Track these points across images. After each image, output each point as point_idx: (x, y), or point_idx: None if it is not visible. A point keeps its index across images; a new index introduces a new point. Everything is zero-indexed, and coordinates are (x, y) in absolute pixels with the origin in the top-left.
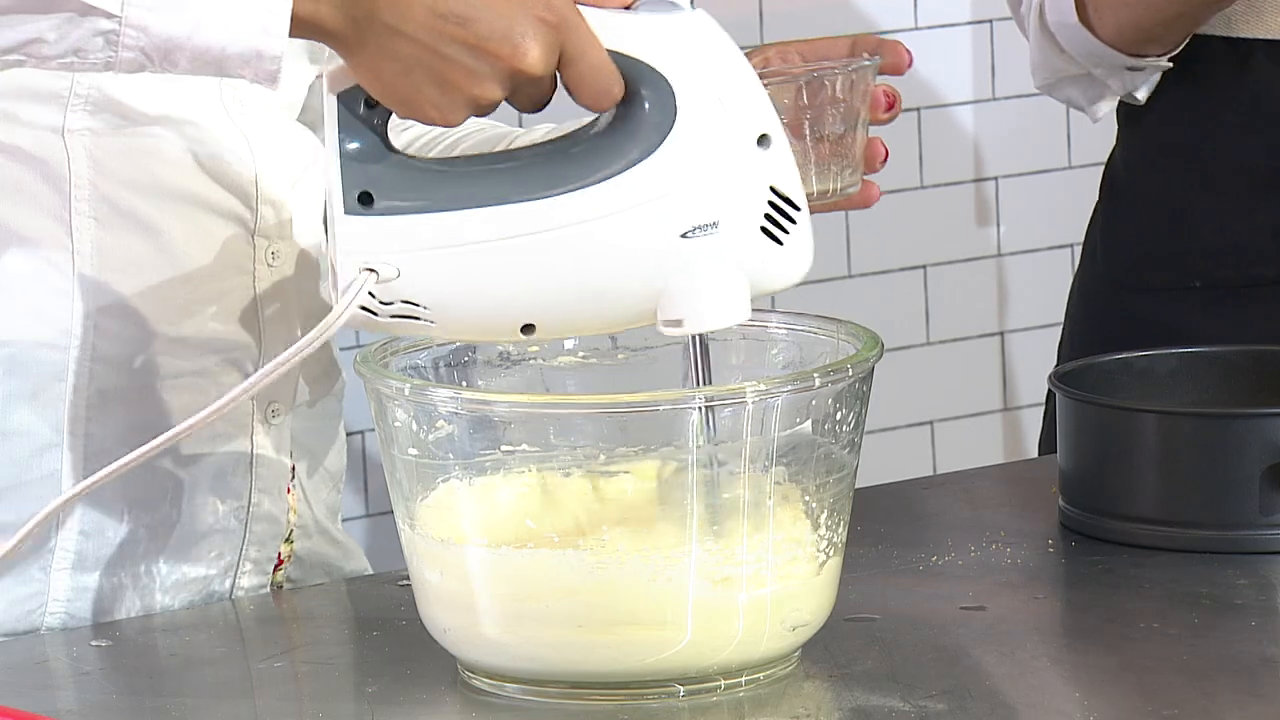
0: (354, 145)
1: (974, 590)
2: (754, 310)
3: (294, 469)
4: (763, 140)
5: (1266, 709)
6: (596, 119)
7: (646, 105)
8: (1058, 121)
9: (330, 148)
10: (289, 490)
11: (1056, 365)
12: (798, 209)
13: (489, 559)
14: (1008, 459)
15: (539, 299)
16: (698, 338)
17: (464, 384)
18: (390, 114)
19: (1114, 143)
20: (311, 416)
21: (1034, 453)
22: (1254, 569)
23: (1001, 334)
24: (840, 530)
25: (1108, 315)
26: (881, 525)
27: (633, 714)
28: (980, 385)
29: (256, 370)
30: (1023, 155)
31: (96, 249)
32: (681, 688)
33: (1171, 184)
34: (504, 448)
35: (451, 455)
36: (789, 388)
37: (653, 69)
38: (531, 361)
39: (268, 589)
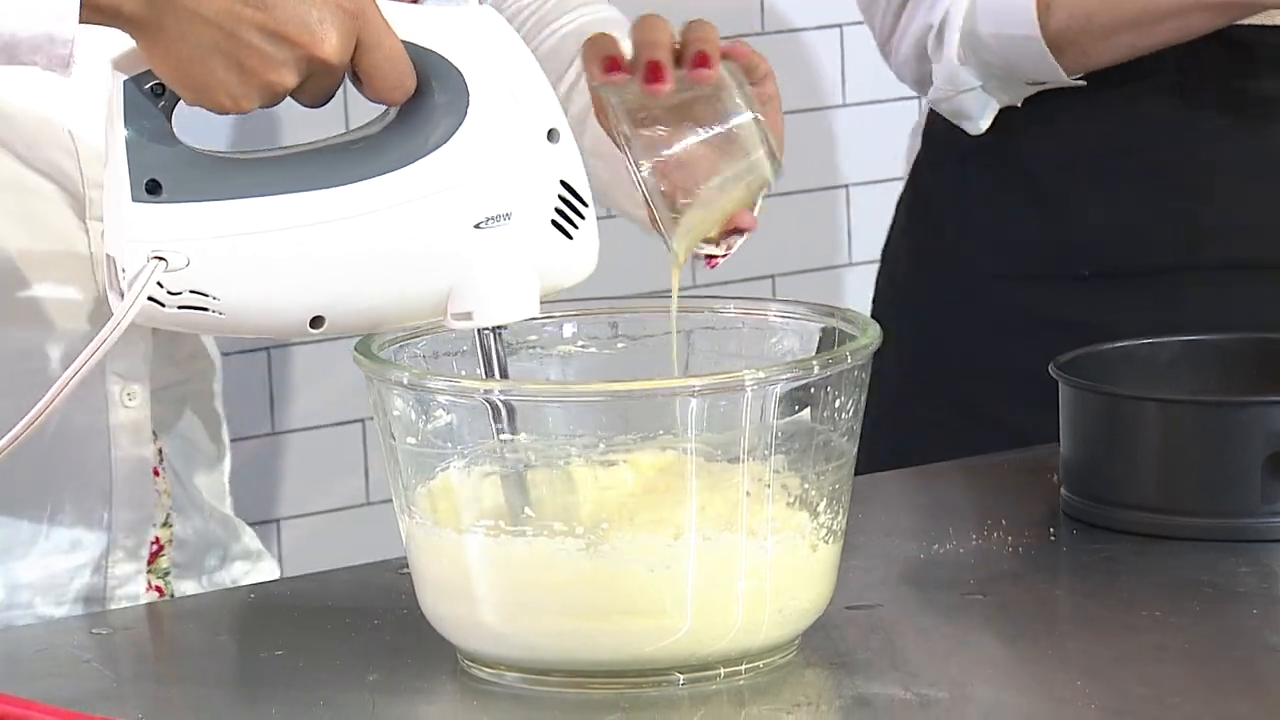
0: (142, 132)
1: (975, 578)
2: (753, 299)
3: (160, 451)
4: (552, 134)
5: (1268, 696)
6: (386, 114)
7: (438, 96)
8: None
9: (115, 134)
10: (156, 473)
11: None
12: (585, 204)
13: (488, 548)
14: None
15: (330, 289)
16: (489, 333)
17: (462, 373)
18: (178, 102)
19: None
20: (178, 399)
21: (1034, 442)
22: (1255, 557)
23: None
24: (839, 518)
25: (973, 306)
26: (882, 513)
27: (632, 703)
28: None
29: (109, 356)
30: None
31: None
32: (681, 676)
33: (1055, 171)
34: (502, 436)
35: (450, 444)
36: (787, 375)
37: (445, 60)
38: (530, 350)
39: (143, 575)
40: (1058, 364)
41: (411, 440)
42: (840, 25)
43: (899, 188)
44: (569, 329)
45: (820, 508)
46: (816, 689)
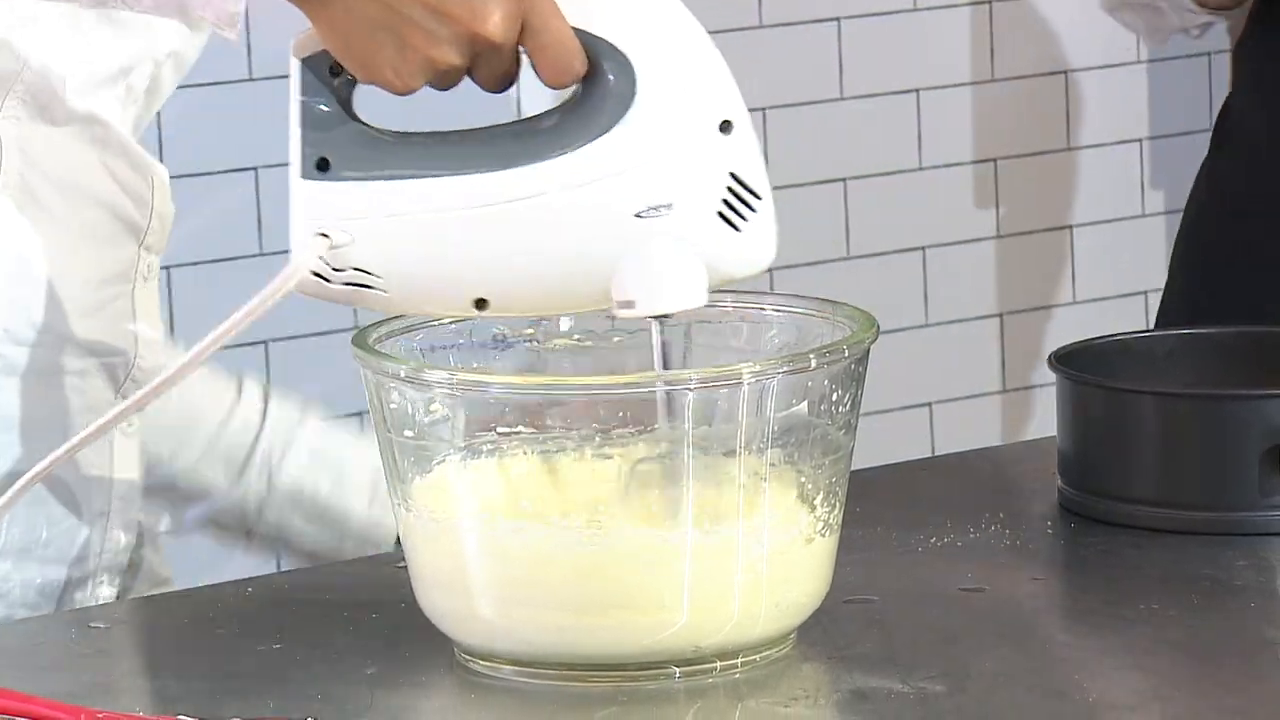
0: (315, 111)
1: (973, 572)
2: (750, 292)
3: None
4: (725, 126)
5: (1266, 690)
6: (559, 102)
7: (607, 83)
8: (1057, 103)
9: (292, 112)
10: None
11: (1162, 304)
12: (759, 198)
13: (485, 541)
14: (1006, 440)
15: (492, 273)
16: (658, 323)
17: (459, 366)
18: (356, 82)
19: (1230, 92)
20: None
21: (1033, 434)
22: (1253, 551)
23: (1000, 316)
24: (836, 511)
25: (1211, 252)
26: (880, 507)
27: (630, 696)
28: (979, 367)
29: (126, 379)
30: (1022, 137)
31: (13, 236)
32: (678, 670)
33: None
34: (500, 429)
35: (447, 437)
36: (785, 369)
37: (614, 47)
38: (527, 344)
39: (115, 599)
40: (1055, 356)
41: (409, 433)
42: (838, 19)
43: (896, 181)
44: (566, 323)
45: (817, 501)
46: (814, 682)
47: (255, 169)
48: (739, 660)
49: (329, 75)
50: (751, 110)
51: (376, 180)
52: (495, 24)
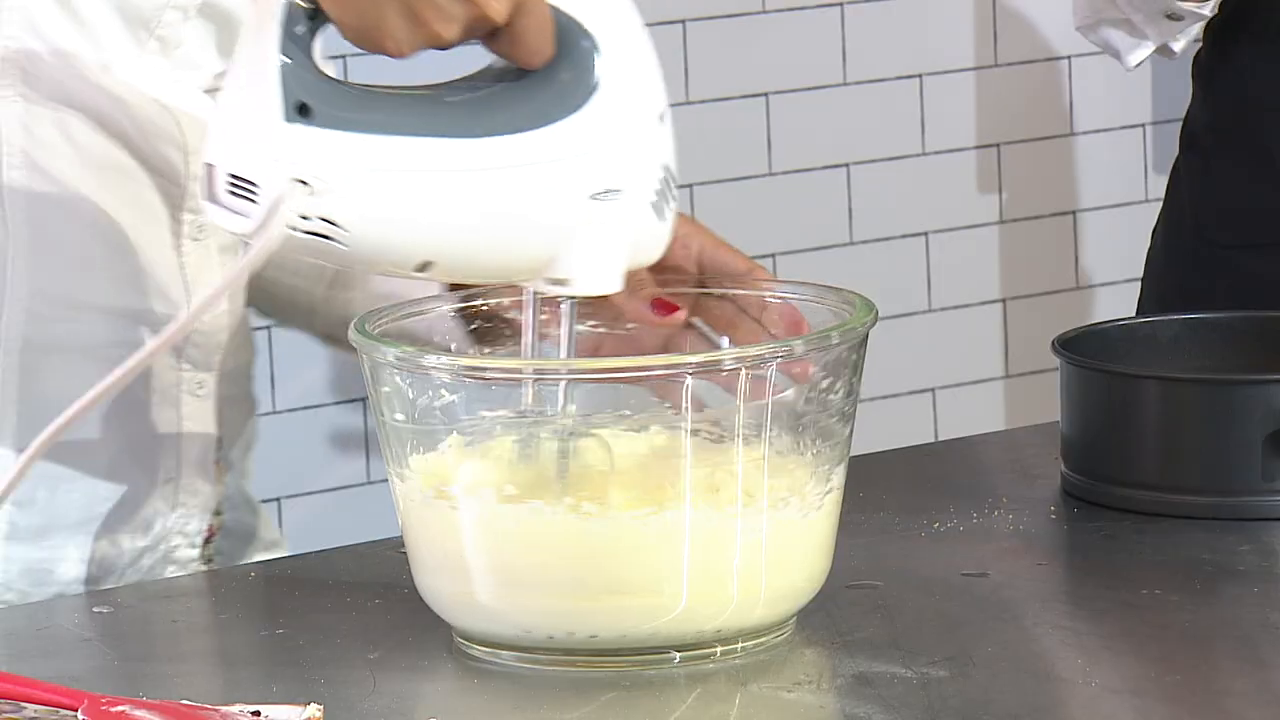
0: (295, 54)
1: (976, 556)
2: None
3: (220, 440)
4: (663, 117)
5: (1268, 675)
6: (496, 67)
7: (574, 63)
8: (1060, 88)
9: (270, 52)
10: (216, 463)
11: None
12: (676, 190)
13: (483, 526)
14: (1009, 425)
15: (448, 236)
16: (568, 305)
17: (457, 351)
18: (319, 30)
19: (1190, 101)
20: (231, 384)
21: (1036, 419)
22: (1256, 535)
23: (1003, 301)
24: (834, 496)
25: (1196, 273)
26: (883, 492)
27: (630, 681)
28: (982, 352)
29: (186, 343)
30: (1025, 122)
31: (29, 219)
32: (678, 655)
33: (1264, 139)
34: (498, 413)
35: (445, 421)
36: (781, 355)
37: (584, 29)
38: None
39: (197, 563)
40: (1059, 341)
41: (407, 417)
42: (841, 4)
43: (899, 166)
44: (563, 306)
45: (815, 485)
46: (817, 668)
47: None
48: (739, 645)
49: (307, 19)
50: (755, 95)
51: (358, 132)
52: (501, 6)
